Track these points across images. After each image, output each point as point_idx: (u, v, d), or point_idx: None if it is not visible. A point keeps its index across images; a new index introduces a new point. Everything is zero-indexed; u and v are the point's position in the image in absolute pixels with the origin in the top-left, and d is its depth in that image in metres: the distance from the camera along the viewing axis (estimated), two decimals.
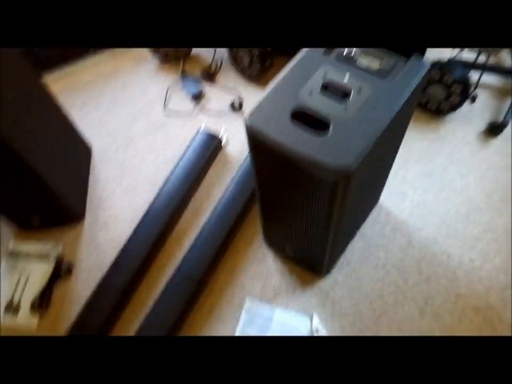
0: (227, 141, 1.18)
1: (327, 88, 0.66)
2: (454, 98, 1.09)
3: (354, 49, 0.70)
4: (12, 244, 1.06)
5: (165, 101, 1.27)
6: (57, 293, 0.99)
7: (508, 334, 0.86)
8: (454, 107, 1.11)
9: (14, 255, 1.05)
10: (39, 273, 1.02)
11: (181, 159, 1.11)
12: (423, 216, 1.02)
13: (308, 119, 0.63)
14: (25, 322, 0.96)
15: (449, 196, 1.04)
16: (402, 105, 0.64)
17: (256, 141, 0.65)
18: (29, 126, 0.90)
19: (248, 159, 1.09)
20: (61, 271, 1.01)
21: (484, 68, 1.16)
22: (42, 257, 1.04)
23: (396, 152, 0.88)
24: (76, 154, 1.14)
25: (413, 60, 0.68)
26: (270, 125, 0.63)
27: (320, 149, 0.60)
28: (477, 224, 1.00)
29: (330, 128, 0.61)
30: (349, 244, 0.99)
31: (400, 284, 0.94)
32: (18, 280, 1.01)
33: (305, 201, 0.72)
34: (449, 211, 1.02)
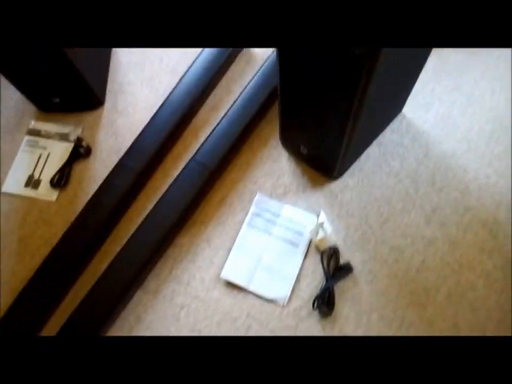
0: None
1: None
2: None
3: None
4: (33, 123, 1.08)
5: None
6: (76, 172, 1.03)
7: (510, 249, 0.88)
8: None
9: (35, 133, 1.07)
10: (59, 152, 1.05)
11: (202, 51, 1.07)
12: (445, 130, 0.99)
13: None
14: (45, 195, 1.01)
15: (476, 112, 1.00)
16: None
17: None
18: None
19: (271, 57, 1.05)
20: (80, 151, 1.03)
21: None
22: (63, 137, 1.06)
23: (427, 55, 0.84)
24: None
25: None
26: None
27: None
28: (499, 143, 0.97)
29: None
30: (364, 151, 0.99)
31: (411, 193, 0.94)
32: (39, 157, 1.05)
33: (327, 88, 0.70)
34: (473, 127, 0.99)
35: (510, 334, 0.82)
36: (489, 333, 0.82)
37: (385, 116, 0.96)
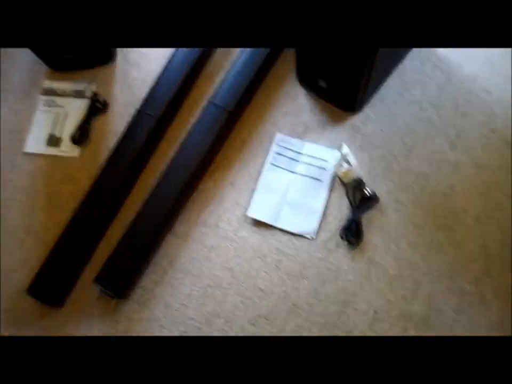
0: None
1: None
2: None
3: None
4: (47, 82, 1.08)
5: None
6: (95, 127, 1.03)
7: None
8: None
9: (51, 93, 1.07)
10: (76, 109, 1.05)
11: None
12: (467, 53, 0.96)
13: None
14: (68, 152, 1.01)
15: None
16: None
17: None
18: None
19: None
20: (98, 106, 1.03)
21: None
22: (78, 94, 1.06)
23: None
24: None
25: None
26: None
27: None
28: None
29: None
30: (385, 82, 0.96)
31: (434, 119, 0.92)
32: (57, 115, 1.05)
33: None
34: (495, 49, 0.96)
35: None
36: None
37: None
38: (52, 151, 1.02)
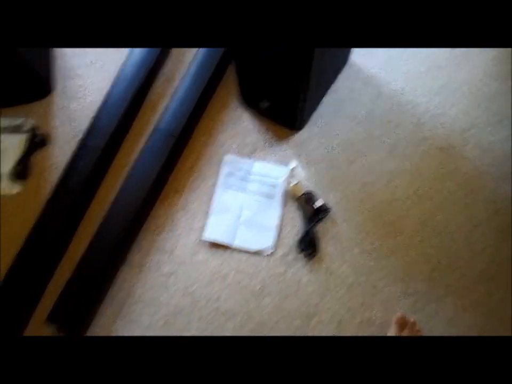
0: None
1: None
2: None
3: None
4: None
5: None
6: (36, 162, 0.97)
7: (467, 169, 0.93)
8: None
9: None
10: (14, 144, 0.98)
11: None
12: (391, 71, 1.03)
13: None
14: (7, 190, 0.94)
15: (411, 55, 1.04)
16: None
17: None
18: None
19: None
20: (37, 140, 0.97)
21: None
22: (15, 129, 0.99)
23: None
24: None
25: None
26: None
27: None
28: (439, 78, 1.02)
29: None
30: (322, 102, 1.00)
31: (371, 132, 0.97)
32: None
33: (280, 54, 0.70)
34: (415, 65, 1.03)
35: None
36: (464, 254, 0.87)
37: (335, 64, 0.98)
38: None
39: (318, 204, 0.89)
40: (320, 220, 0.88)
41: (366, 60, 1.04)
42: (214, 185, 0.93)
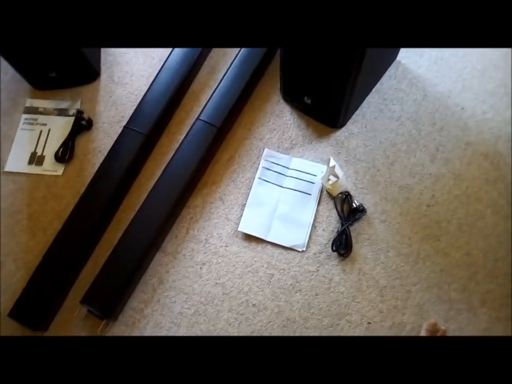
0: None
1: None
2: None
3: None
4: (29, 101, 1.03)
5: None
6: (79, 145, 0.98)
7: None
8: None
9: (33, 111, 1.02)
10: (60, 126, 1.00)
11: None
12: (440, 72, 0.98)
13: None
14: (51, 170, 0.96)
15: (466, 53, 1.00)
16: None
17: None
18: None
19: None
20: (82, 123, 0.98)
21: None
22: (62, 112, 1.01)
23: None
24: None
25: None
26: None
27: None
28: (491, 80, 0.97)
29: None
30: (365, 99, 0.97)
31: (414, 134, 0.93)
32: (40, 133, 1.00)
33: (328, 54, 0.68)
34: (466, 67, 0.98)
35: None
36: (501, 258, 0.82)
37: (383, 62, 0.95)
38: (34, 169, 0.96)
39: (355, 203, 0.86)
40: (356, 220, 0.86)
41: (414, 59, 1.00)
42: (251, 178, 0.92)
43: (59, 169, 0.96)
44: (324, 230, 0.87)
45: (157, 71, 0.99)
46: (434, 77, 0.98)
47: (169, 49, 1.01)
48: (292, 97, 0.96)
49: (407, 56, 1.00)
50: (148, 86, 0.98)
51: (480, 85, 0.97)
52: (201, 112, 0.94)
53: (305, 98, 0.91)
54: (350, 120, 0.95)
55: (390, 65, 0.99)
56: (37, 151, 0.98)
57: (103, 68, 1.05)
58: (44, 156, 0.97)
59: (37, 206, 0.93)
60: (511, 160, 0.89)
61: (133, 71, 1.04)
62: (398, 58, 1.00)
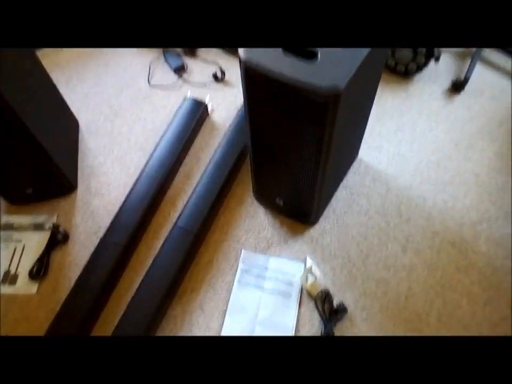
0: (212, 109, 1.16)
1: None
2: (420, 59, 1.12)
3: None
4: (5, 217, 1.01)
5: (148, 74, 1.24)
6: (55, 260, 0.95)
7: (481, 264, 0.90)
8: (421, 67, 1.14)
9: (8, 227, 1.00)
10: (34, 242, 0.97)
11: (169, 125, 1.08)
12: (399, 166, 1.04)
13: (297, 50, 0.64)
14: (24, 289, 0.91)
15: (420, 147, 1.07)
16: None
17: (250, 74, 0.65)
18: (27, 94, 0.87)
19: (234, 123, 1.08)
20: (57, 238, 0.96)
21: None
22: (37, 227, 0.99)
23: (373, 98, 0.89)
24: (66, 127, 1.09)
25: None
26: (263, 57, 0.63)
27: (310, 74, 0.61)
28: (447, 170, 1.03)
29: (318, 56, 0.63)
30: (333, 195, 1.00)
31: (383, 226, 0.95)
32: (14, 251, 0.97)
33: (296, 137, 0.72)
34: (421, 160, 1.05)
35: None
36: None
37: (346, 160, 1.00)
38: (7, 289, 0.92)
39: (335, 303, 0.85)
40: (338, 320, 0.84)
41: (374, 155, 1.06)
42: (231, 281, 0.91)
43: (33, 288, 0.91)
44: (307, 332, 0.84)
45: (134, 179, 1.01)
46: (394, 171, 1.03)
47: (146, 158, 1.04)
48: (264, 199, 0.99)
49: (367, 153, 1.06)
50: (125, 195, 0.99)
51: (437, 175, 1.02)
52: (178, 219, 0.94)
53: (277, 199, 0.94)
54: (322, 216, 0.98)
55: (353, 162, 1.05)
56: (10, 269, 0.94)
57: (80, 180, 1.06)
58: (18, 275, 0.93)
59: (8, 329, 0.87)
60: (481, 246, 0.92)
61: (109, 181, 1.06)
62: (359, 155, 1.06)
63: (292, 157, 0.78)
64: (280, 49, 0.64)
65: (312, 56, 0.63)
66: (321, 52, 0.63)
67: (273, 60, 0.63)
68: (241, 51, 0.64)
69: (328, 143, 0.71)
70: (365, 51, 0.64)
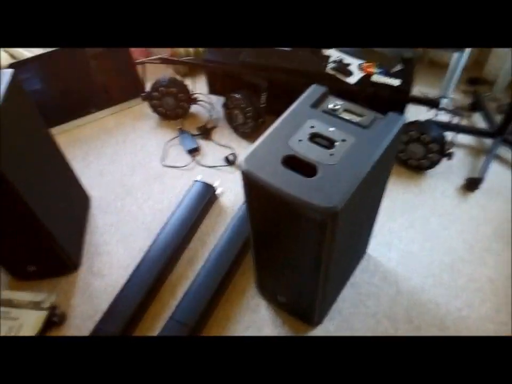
0: (222, 192, 1.16)
1: (314, 137, 0.67)
2: (433, 156, 1.11)
3: (338, 104, 0.72)
4: (5, 292, 1.00)
5: (162, 154, 1.27)
6: None
7: None
8: (433, 164, 1.13)
9: (7, 304, 0.98)
10: (31, 321, 0.95)
11: (177, 207, 1.08)
12: (410, 266, 0.99)
13: (297, 164, 0.64)
14: None
15: (433, 247, 1.03)
16: (383, 152, 0.66)
17: (251, 184, 0.65)
18: (34, 173, 0.89)
19: (242, 209, 1.07)
20: (54, 319, 0.94)
21: (458, 128, 1.20)
22: (36, 305, 0.97)
23: (380, 199, 0.87)
24: (75, 203, 1.11)
25: (391, 114, 0.70)
26: (263, 169, 0.64)
27: (309, 191, 0.60)
28: (461, 274, 0.98)
29: (318, 172, 0.62)
30: (340, 293, 0.96)
31: (391, 333, 0.89)
32: (10, 328, 0.94)
33: (296, 243, 0.70)
34: (434, 261, 1.00)
35: None
36: None
37: (353, 257, 0.96)
38: None
39: None
40: None
41: (383, 252, 1.02)
42: None
43: None
44: None
45: (137, 261, 1.00)
46: (405, 271, 0.98)
47: (151, 239, 1.03)
48: (267, 294, 0.95)
49: (377, 249, 1.02)
50: (126, 278, 0.97)
51: (451, 279, 0.97)
52: (175, 311, 0.91)
53: (279, 296, 0.90)
54: (327, 316, 0.92)
55: (361, 258, 1.01)
56: None
57: (84, 258, 1.05)
58: None
59: None
60: None
61: (112, 262, 1.04)
62: (368, 251, 1.02)
63: (292, 259, 0.76)
64: (279, 163, 0.64)
65: (312, 171, 0.62)
66: (320, 168, 0.63)
67: (273, 173, 0.63)
68: (242, 162, 0.64)
69: (329, 253, 0.68)
70: (367, 167, 0.63)
